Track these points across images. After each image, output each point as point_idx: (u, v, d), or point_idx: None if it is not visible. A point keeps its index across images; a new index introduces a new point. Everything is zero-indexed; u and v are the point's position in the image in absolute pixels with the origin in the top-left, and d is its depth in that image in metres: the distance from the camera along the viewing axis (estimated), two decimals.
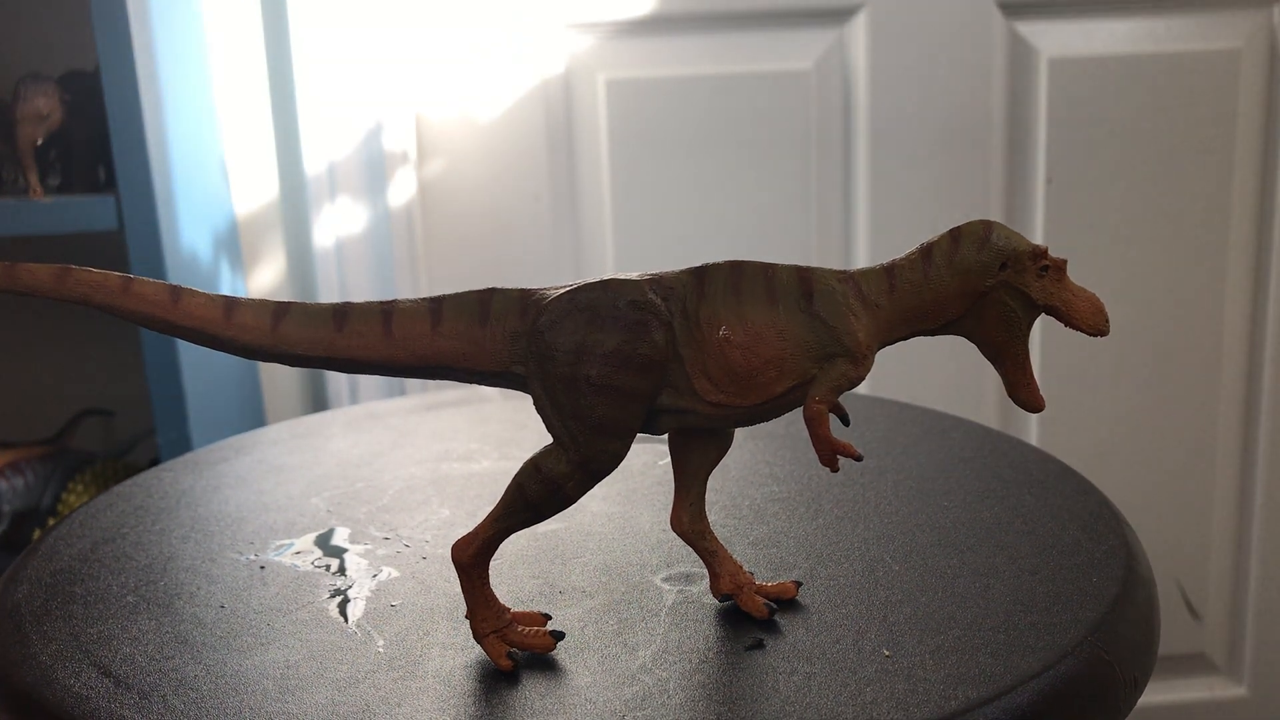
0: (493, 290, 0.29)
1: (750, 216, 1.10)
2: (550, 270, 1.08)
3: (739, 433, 0.42)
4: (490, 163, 1.08)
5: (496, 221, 1.09)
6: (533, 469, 0.28)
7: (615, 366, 0.27)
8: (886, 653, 0.29)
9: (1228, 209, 1.13)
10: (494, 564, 0.35)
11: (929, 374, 1.13)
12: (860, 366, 0.29)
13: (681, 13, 1.06)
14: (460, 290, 0.31)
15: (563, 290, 0.29)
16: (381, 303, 0.29)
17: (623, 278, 0.29)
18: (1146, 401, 1.17)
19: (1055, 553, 0.34)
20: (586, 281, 0.29)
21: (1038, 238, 1.12)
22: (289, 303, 0.28)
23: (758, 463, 0.43)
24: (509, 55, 1.05)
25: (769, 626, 0.31)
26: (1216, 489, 1.20)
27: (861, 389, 1.14)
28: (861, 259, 1.12)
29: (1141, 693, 0.30)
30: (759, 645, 0.30)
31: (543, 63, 1.05)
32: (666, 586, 0.34)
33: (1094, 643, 0.29)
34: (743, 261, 0.29)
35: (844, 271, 0.29)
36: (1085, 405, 1.16)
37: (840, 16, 1.07)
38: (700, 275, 0.29)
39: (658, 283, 0.29)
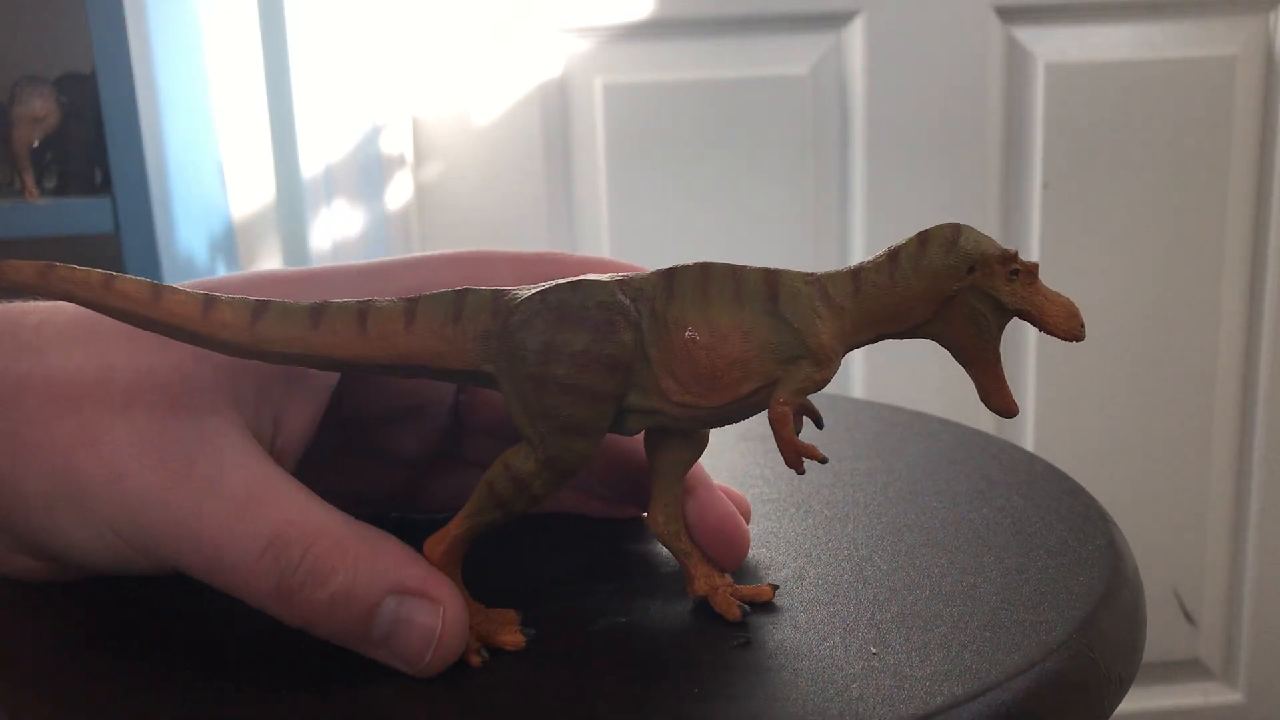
0: (467, 290, 0.29)
1: (747, 221, 1.10)
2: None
3: (729, 433, 0.42)
4: (487, 166, 1.08)
5: (493, 225, 1.09)
6: (502, 467, 0.28)
7: (582, 366, 0.27)
8: (873, 650, 0.29)
9: (1223, 214, 1.13)
10: (477, 559, 0.35)
11: (919, 376, 1.13)
12: (824, 369, 0.28)
13: (678, 17, 1.06)
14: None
15: (534, 290, 0.28)
16: (359, 301, 0.28)
17: (593, 278, 0.28)
18: (1142, 407, 1.17)
19: (1042, 552, 0.34)
20: (558, 282, 0.29)
21: (1034, 242, 1.12)
22: (268, 301, 0.28)
23: (748, 464, 0.43)
24: (506, 59, 1.05)
25: (756, 625, 0.31)
26: (1212, 495, 1.21)
27: (852, 391, 1.14)
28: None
29: (1127, 690, 0.30)
30: (746, 643, 0.30)
31: (540, 66, 1.06)
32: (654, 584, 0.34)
33: (1079, 640, 0.29)
34: (712, 263, 0.29)
35: (811, 274, 0.29)
36: (1081, 410, 1.16)
37: (837, 21, 1.08)
38: (670, 276, 0.29)
39: (627, 284, 0.29)
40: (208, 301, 0.27)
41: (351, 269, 0.33)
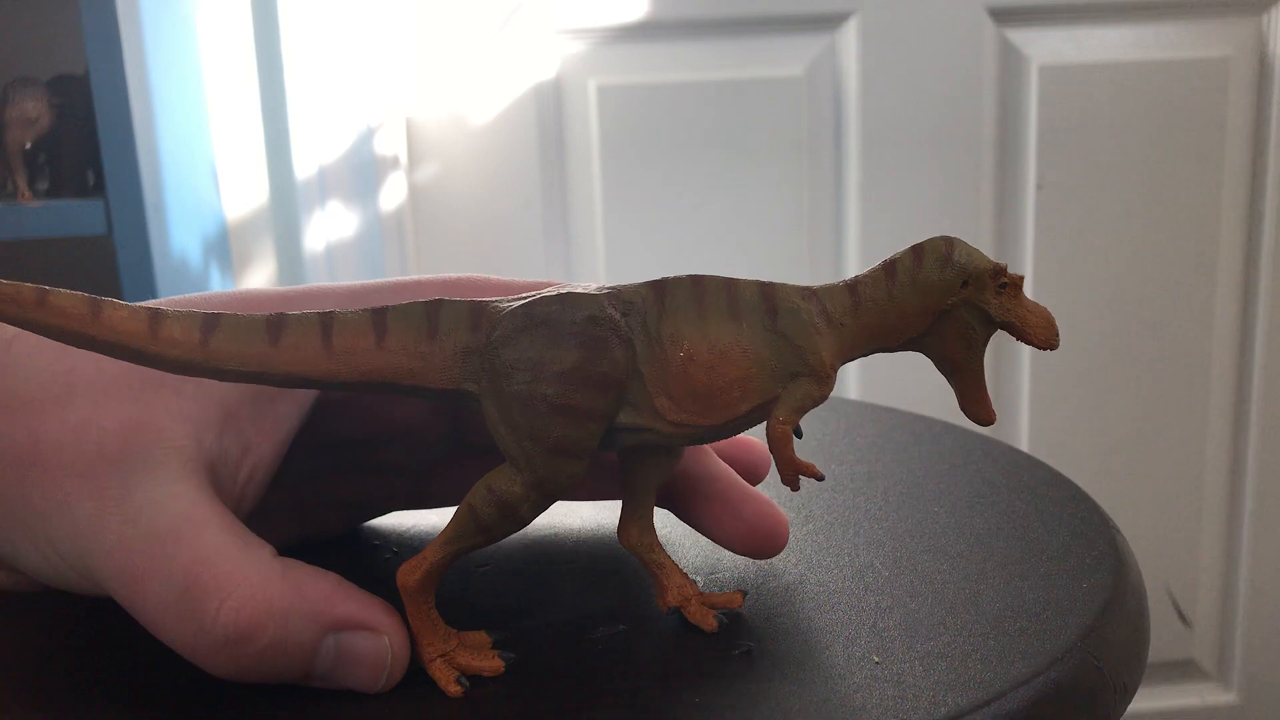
0: (440, 301, 0.27)
1: (741, 222, 1.10)
2: (541, 275, 1.08)
3: None
4: (481, 167, 1.07)
5: (488, 226, 1.09)
6: (485, 491, 0.27)
7: (574, 385, 0.26)
8: (876, 659, 0.29)
9: (1217, 215, 1.13)
10: (473, 567, 0.35)
11: (919, 379, 1.13)
12: (824, 386, 0.28)
13: (673, 18, 1.06)
14: None
15: (517, 303, 0.27)
16: (320, 314, 0.26)
17: (580, 291, 0.27)
18: (1137, 408, 1.17)
19: (1045, 558, 0.34)
20: (542, 294, 0.27)
21: (1028, 243, 1.12)
22: (219, 314, 0.26)
23: None
24: (500, 60, 1.05)
25: (758, 633, 0.31)
26: (1207, 496, 1.21)
27: (851, 395, 1.14)
28: (853, 265, 1.12)
29: (1131, 698, 0.30)
30: (747, 652, 0.30)
31: (534, 68, 1.05)
32: (652, 594, 0.34)
33: (1084, 648, 0.29)
34: (703, 276, 0.28)
35: (807, 288, 0.28)
36: (1076, 412, 1.16)
37: (832, 23, 1.08)
38: (660, 289, 0.28)
39: (616, 297, 0.27)
40: (154, 317, 0.25)
41: (338, 291, 0.31)
